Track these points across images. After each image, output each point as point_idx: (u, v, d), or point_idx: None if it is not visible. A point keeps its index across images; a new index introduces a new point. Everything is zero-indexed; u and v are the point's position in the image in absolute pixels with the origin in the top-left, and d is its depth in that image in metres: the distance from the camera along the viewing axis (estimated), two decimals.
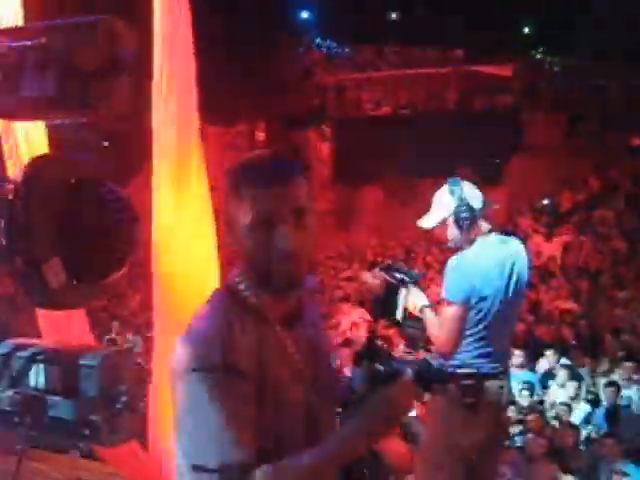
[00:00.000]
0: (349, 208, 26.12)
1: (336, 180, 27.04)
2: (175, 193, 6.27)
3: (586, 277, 17.71)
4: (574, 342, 14.15)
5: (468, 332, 5.45)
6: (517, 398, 11.63)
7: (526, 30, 36.10)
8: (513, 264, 5.58)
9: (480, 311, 5.44)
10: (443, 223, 5.75)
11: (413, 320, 5.80)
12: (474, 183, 5.90)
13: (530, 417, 10.98)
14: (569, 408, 11.45)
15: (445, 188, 5.81)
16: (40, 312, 6.60)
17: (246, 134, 27.14)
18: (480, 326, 5.46)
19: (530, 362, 13.40)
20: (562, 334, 14.69)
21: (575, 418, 11.39)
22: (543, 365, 13.28)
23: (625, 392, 11.78)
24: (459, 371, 5.45)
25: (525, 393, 11.70)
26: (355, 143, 26.12)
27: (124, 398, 3.02)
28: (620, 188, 23.02)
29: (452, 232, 5.71)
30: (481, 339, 5.51)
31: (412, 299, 5.74)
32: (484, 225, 5.66)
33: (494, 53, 29.77)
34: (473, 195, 5.69)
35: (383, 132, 25.92)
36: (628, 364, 12.33)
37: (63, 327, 6.76)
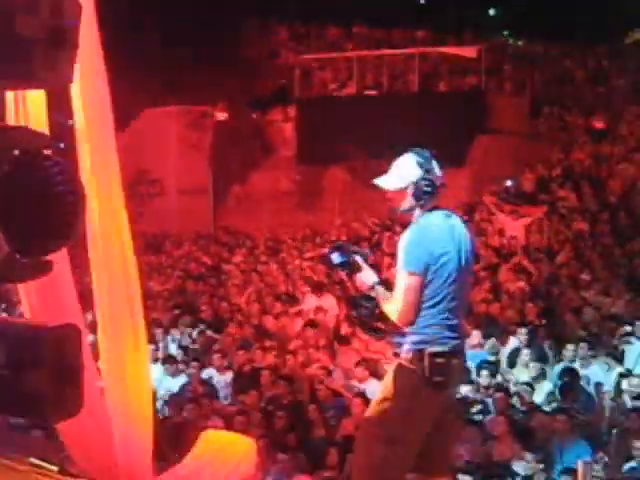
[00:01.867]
0: (313, 189, 26.07)
1: (300, 161, 26.95)
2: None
3: (548, 258, 17.79)
4: (537, 322, 14.22)
5: (431, 303, 5.49)
6: (475, 377, 11.69)
7: (491, 12, 36.22)
8: (460, 235, 5.74)
9: (441, 278, 5.49)
10: (402, 190, 5.78)
11: (365, 299, 5.80)
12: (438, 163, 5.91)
13: (496, 396, 11.03)
14: (531, 388, 11.50)
15: (412, 157, 5.81)
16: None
17: (210, 114, 26.96)
18: (442, 295, 5.51)
19: (490, 342, 13.46)
20: (524, 314, 14.76)
21: (537, 397, 11.45)
22: (512, 344, 13.33)
23: (584, 371, 11.88)
24: (430, 349, 5.45)
25: (484, 373, 11.73)
26: (320, 123, 26.04)
27: (70, 372, 2.97)
28: (582, 170, 23.14)
29: (409, 202, 5.81)
30: (445, 311, 5.55)
31: (362, 278, 5.77)
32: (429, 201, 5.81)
33: (459, 34, 29.84)
34: (437, 171, 5.83)
35: (348, 112, 25.85)
36: (584, 344, 12.45)
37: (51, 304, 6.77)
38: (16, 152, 2.85)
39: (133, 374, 6.94)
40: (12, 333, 2.98)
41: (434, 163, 5.72)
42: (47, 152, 2.90)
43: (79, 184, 2.92)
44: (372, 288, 5.69)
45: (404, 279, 5.50)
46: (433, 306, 5.49)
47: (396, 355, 6.00)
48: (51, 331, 2.96)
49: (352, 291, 6.15)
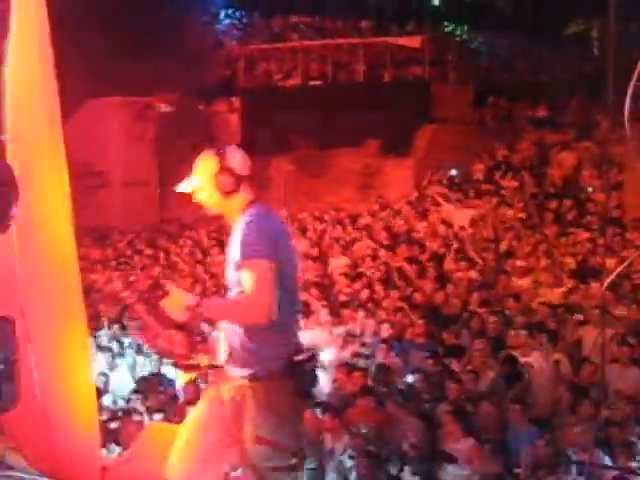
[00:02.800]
0: (258, 180, 26.00)
1: (245, 151, 26.84)
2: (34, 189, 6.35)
3: (492, 246, 17.92)
4: (481, 311, 14.29)
5: (283, 306, 5.04)
6: (421, 366, 11.76)
7: (435, 1, 36.35)
8: (286, 230, 5.52)
9: (286, 275, 5.13)
10: (200, 186, 5.47)
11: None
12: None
13: (449, 385, 11.07)
14: (476, 376, 11.55)
15: (207, 153, 5.51)
16: None
17: (154, 105, 26.79)
18: (289, 294, 5.15)
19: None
20: (469, 303, 14.85)
21: (482, 385, 11.51)
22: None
23: (524, 359, 11.96)
24: (297, 357, 5.18)
25: (430, 362, 11.80)
26: (265, 114, 26.02)
27: (1, 366, 2.93)
28: (525, 159, 23.37)
29: (211, 196, 5.46)
30: (295, 313, 5.35)
31: (176, 302, 5.18)
32: (247, 194, 5.43)
33: (403, 24, 29.95)
34: (238, 162, 5.47)
35: (293, 103, 25.88)
36: (523, 332, 12.53)
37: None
38: None
39: (73, 367, 6.88)
40: None
41: (233, 153, 5.45)
42: None
43: (11, 176, 2.88)
44: (194, 307, 5.12)
45: (256, 265, 4.99)
46: (284, 308, 5.07)
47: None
48: None
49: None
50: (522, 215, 19.68)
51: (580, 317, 13.33)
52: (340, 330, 13.88)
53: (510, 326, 13.19)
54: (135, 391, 11.83)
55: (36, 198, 6.47)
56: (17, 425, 6.74)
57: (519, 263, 16.55)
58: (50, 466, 6.88)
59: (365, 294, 15.64)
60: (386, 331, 13.58)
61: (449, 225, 19.35)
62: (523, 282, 15.66)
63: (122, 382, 12.73)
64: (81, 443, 6.92)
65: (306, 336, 13.61)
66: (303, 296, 16.02)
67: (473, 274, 16.36)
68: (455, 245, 18.01)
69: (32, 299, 6.58)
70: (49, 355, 6.76)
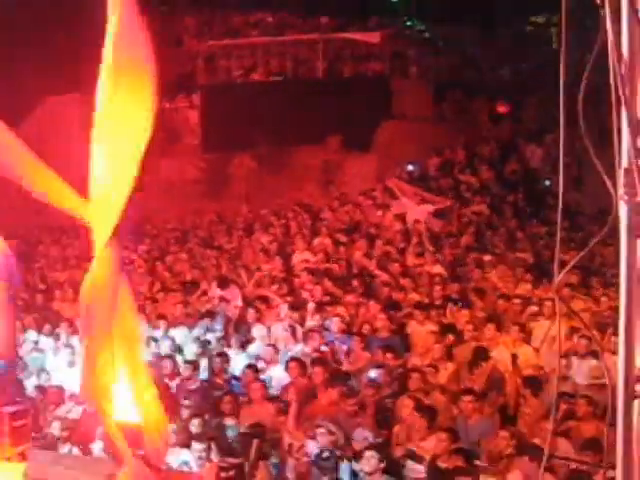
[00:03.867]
0: (220, 177, 25.93)
1: (206, 149, 26.81)
2: None
3: (452, 241, 18.00)
4: (443, 304, 14.37)
5: None
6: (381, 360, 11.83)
7: None
8: None
9: None
10: None
11: None
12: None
13: (412, 376, 11.13)
14: (435, 369, 11.64)
15: None
16: None
17: None
18: None
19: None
20: (431, 297, 14.93)
21: (442, 378, 11.60)
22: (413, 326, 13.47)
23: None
24: None
25: (389, 356, 11.86)
26: (225, 111, 25.93)
27: None
28: (484, 154, 23.49)
29: None
30: None
31: None
32: None
33: (363, 20, 29.92)
34: None
35: (253, 100, 25.82)
36: (489, 326, 12.64)
37: None
38: None
39: None
40: None
41: None
42: None
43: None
44: None
45: None
46: None
47: None
48: None
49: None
50: (481, 208, 19.80)
51: (534, 309, 13.48)
52: (302, 325, 13.93)
53: (473, 320, 13.30)
54: None
55: None
56: None
57: (479, 257, 16.68)
58: None
59: (325, 289, 15.69)
60: (346, 326, 13.65)
61: (406, 220, 19.38)
62: (484, 275, 15.79)
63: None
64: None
65: (266, 331, 13.73)
66: (264, 291, 16.10)
67: (434, 268, 16.44)
68: (414, 240, 18.07)
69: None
70: None
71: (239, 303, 15.56)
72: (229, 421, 10.80)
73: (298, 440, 9.82)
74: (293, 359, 12.07)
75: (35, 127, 22.12)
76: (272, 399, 11.11)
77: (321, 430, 9.59)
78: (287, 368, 11.92)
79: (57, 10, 23.82)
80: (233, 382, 12.22)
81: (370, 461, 8.68)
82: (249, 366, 12.13)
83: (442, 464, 8.99)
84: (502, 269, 15.85)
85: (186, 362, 12.57)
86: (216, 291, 16.21)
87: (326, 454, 9.12)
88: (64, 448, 9.83)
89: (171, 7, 33.22)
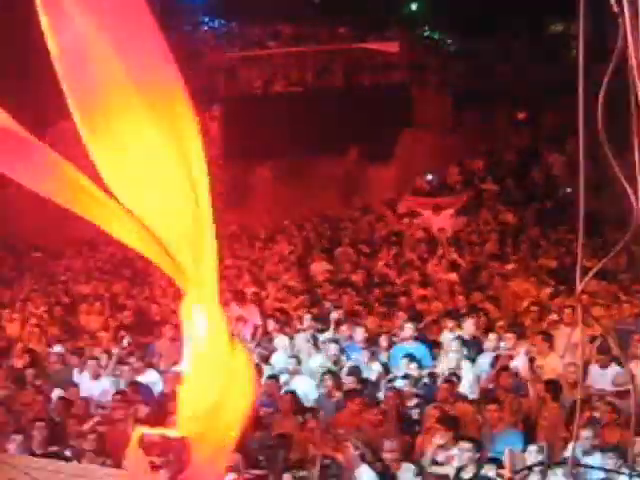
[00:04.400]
0: (240, 187, 25.97)
1: (227, 160, 26.87)
2: None
3: (474, 250, 17.99)
4: (465, 312, 14.33)
5: None
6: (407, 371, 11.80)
7: (413, 7, 36.35)
8: None
9: None
10: None
11: None
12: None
13: (442, 386, 11.10)
14: (458, 378, 11.60)
15: None
16: None
17: None
18: None
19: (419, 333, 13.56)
20: (453, 305, 14.90)
21: (463, 387, 11.55)
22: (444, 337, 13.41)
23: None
24: None
25: (413, 365, 11.82)
26: (245, 122, 25.96)
27: None
28: (505, 162, 23.47)
29: None
30: None
31: None
32: None
33: (381, 30, 29.95)
34: None
35: (273, 111, 25.88)
36: (509, 335, 12.58)
37: None
38: None
39: None
40: None
41: None
42: None
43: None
44: None
45: None
46: None
47: None
48: None
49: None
50: (505, 217, 19.78)
51: (555, 317, 13.41)
52: (325, 336, 13.90)
53: (493, 328, 13.26)
54: (118, 400, 11.83)
55: None
56: None
57: (502, 265, 16.66)
58: None
59: (348, 299, 15.67)
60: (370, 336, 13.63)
61: (429, 231, 19.38)
62: (507, 283, 15.75)
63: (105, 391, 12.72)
64: None
65: (288, 342, 13.71)
66: (284, 305, 16.07)
67: (457, 276, 16.42)
68: (438, 249, 18.07)
69: None
70: None
71: (258, 321, 15.42)
72: (254, 432, 10.81)
73: (325, 452, 9.81)
74: (329, 371, 12.06)
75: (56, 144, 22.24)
76: (298, 411, 11.11)
77: (347, 444, 9.60)
78: (321, 380, 11.92)
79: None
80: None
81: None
82: (271, 377, 12.12)
83: (467, 475, 8.99)
84: (524, 276, 15.82)
85: None
86: (235, 309, 16.14)
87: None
88: (96, 460, 9.82)
89: (190, 19, 33.40)
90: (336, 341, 13.36)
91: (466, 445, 9.28)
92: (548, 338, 12.46)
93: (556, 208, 19.92)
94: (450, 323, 13.63)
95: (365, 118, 24.46)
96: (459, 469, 9.18)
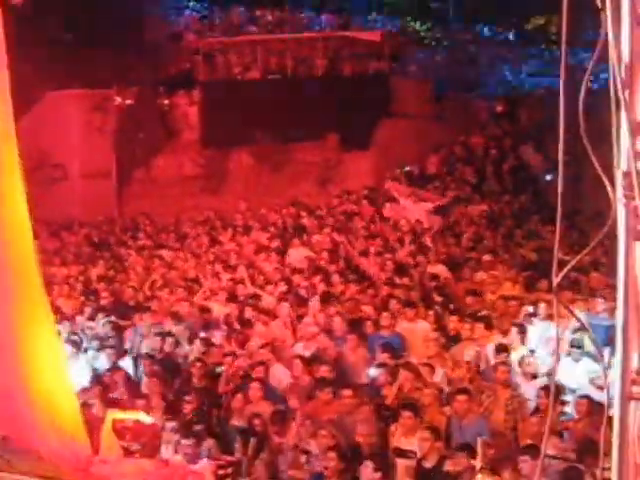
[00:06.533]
0: (218, 173, 25.95)
1: (205, 145, 26.82)
2: None
3: (451, 240, 18.02)
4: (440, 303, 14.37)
5: None
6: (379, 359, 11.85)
7: None
8: None
9: None
10: None
11: None
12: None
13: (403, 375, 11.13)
14: (431, 367, 11.64)
15: None
16: None
17: (113, 97, 26.60)
18: None
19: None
20: (429, 296, 14.93)
21: (437, 377, 11.59)
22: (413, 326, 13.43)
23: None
24: None
25: (387, 354, 11.87)
26: (224, 107, 25.94)
27: None
28: (483, 153, 23.51)
29: None
30: None
31: None
32: None
33: (364, 18, 29.99)
34: None
35: (253, 97, 25.84)
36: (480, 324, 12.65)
37: None
38: None
39: (49, 360, 6.88)
40: None
41: None
42: None
43: None
44: None
45: None
46: None
47: None
48: None
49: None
50: (481, 207, 19.82)
51: (529, 310, 13.47)
52: (301, 323, 13.93)
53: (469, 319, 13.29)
54: (93, 384, 11.82)
55: None
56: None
57: (478, 256, 16.69)
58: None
59: (323, 287, 15.69)
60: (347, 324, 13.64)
61: (408, 219, 19.40)
62: (483, 275, 15.79)
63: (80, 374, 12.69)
64: (64, 432, 6.88)
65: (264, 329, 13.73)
66: (260, 291, 16.08)
67: (434, 267, 16.44)
68: (414, 238, 18.09)
69: None
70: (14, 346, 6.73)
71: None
72: (228, 419, 10.84)
73: (299, 439, 9.85)
74: (298, 356, 12.09)
75: (34, 122, 22.15)
76: (271, 398, 11.14)
77: (323, 432, 9.63)
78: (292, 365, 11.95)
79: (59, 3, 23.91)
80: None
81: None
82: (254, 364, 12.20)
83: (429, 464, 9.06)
84: (501, 269, 15.86)
85: (196, 359, 12.57)
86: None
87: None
88: None
89: (173, 3, 33.31)
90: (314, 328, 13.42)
91: (425, 434, 9.35)
92: (521, 330, 12.52)
93: (533, 199, 19.99)
94: (424, 313, 13.70)
95: (344, 106, 24.48)
96: (420, 459, 9.24)
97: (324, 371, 11.63)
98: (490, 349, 12.06)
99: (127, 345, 13.86)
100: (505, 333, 12.65)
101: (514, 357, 11.87)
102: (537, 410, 10.17)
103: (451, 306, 14.28)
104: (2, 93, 6.61)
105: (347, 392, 10.68)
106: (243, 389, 11.51)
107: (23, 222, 6.81)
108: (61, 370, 7.21)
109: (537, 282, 14.54)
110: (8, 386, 6.65)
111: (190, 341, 13.71)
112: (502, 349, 11.85)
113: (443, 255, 17.19)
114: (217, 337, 13.81)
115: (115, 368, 12.73)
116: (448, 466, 8.91)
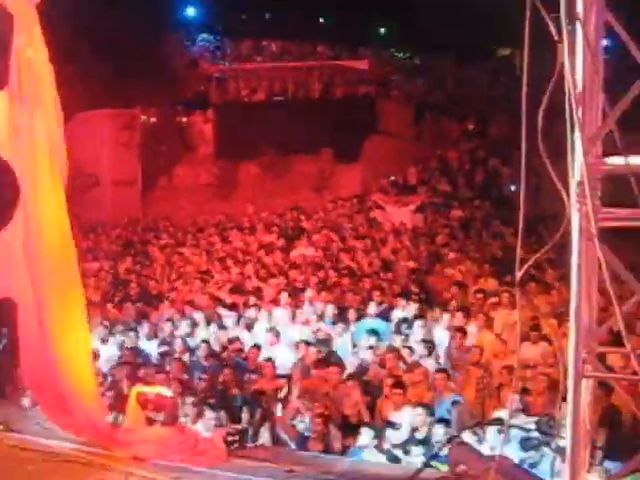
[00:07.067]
0: (229, 182, 25.95)
1: (218, 157, 26.84)
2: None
3: (428, 241, 17.99)
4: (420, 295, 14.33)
5: None
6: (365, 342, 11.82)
7: (382, 30, 36.35)
8: None
9: None
10: None
11: None
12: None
13: (387, 356, 11.09)
14: (411, 350, 11.59)
15: None
16: None
17: (138, 116, 26.61)
18: None
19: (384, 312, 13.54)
20: (409, 289, 14.89)
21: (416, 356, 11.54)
22: (397, 314, 13.38)
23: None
24: None
25: (374, 339, 11.83)
26: (234, 125, 25.95)
27: (4, 340, 2.94)
28: (457, 165, 23.52)
29: None
30: None
31: None
32: None
33: (354, 49, 29.99)
34: None
35: (259, 116, 25.84)
36: (459, 314, 12.62)
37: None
38: None
39: (78, 342, 6.83)
40: None
41: None
42: None
43: (14, 183, 2.86)
44: None
45: None
46: None
47: None
48: None
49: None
50: (455, 213, 19.82)
51: (495, 300, 13.44)
52: (299, 312, 13.89)
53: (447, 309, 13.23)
54: (119, 363, 11.80)
55: (37, 197, 6.39)
56: (37, 389, 6.62)
57: (450, 254, 16.68)
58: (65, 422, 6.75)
59: (318, 280, 15.67)
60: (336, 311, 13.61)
61: (393, 222, 19.44)
62: (454, 270, 15.77)
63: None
64: (89, 403, 6.79)
65: (267, 316, 13.68)
66: (262, 283, 16.04)
67: (412, 264, 16.43)
68: (398, 238, 18.09)
69: (38, 283, 6.50)
70: (54, 328, 6.67)
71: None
72: (236, 393, 10.80)
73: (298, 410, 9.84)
74: (302, 341, 12.06)
75: (69, 138, 22.12)
76: (277, 375, 11.13)
77: (316, 404, 9.63)
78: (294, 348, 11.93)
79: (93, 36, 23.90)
80: (240, 360, 12.15)
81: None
82: (254, 346, 12.16)
83: (420, 435, 9.03)
84: (470, 264, 15.85)
85: (202, 341, 12.53)
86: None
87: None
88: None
89: (189, 35, 33.31)
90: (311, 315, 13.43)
91: (419, 410, 9.33)
92: (487, 318, 12.51)
93: (499, 205, 19.98)
94: (404, 303, 13.67)
95: (337, 124, 24.48)
96: (413, 429, 9.21)
97: (318, 352, 11.62)
98: (464, 333, 12.02)
99: (151, 329, 13.78)
100: (476, 320, 12.62)
101: (484, 341, 11.86)
102: (501, 386, 10.14)
103: (426, 296, 14.24)
104: (53, 105, 6.53)
105: (336, 369, 10.70)
106: (249, 368, 11.52)
107: (63, 222, 6.76)
108: (87, 353, 7.17)
109: (502, 276, 14.51)
110: (46, 365, 6.62)
111: (206, 325, 13.71)
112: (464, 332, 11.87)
113: (422, 252, 17.18)
114: (228, 322, 13.81)
115: (139, 349, 12.71)
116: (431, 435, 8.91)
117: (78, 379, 6.89)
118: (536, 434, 8.39)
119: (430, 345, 11.57)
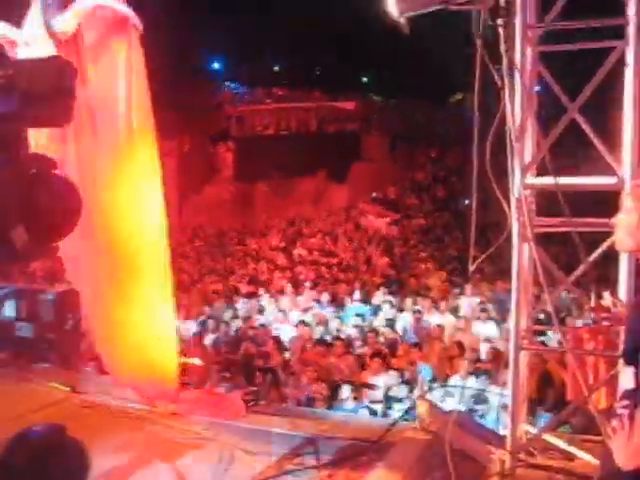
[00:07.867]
0: (245, 198, 25.95)
1: (237, 179, 26.87)
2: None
3: (401, 243, 18.02)
4: (393, 284, 14.33)
5: None
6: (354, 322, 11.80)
7: (364, 79, 36.48)
8: None
9: None
10: None
11: None
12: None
13: (369, 335, 11.08)
14: (392, 328, 11.57)
15: None
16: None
17: (177, 146, 26.63)
18: None
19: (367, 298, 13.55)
20: (386, 278, 14.91)
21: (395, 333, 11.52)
22: (376, 300, 13.39)
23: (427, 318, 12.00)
24: None
25: (357, 320, 11.81)
26: (250, 154, 25.98)
27: (71, 322, 2.90)
28: (423, 184, 23.55)
29: None
30: None
31: None
32: None
33: (344, 93, 30.00)
34: None
35: (269, 146, 25.87)
36: (426, 300, 12.61)
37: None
38: (33, 171, 2.77)
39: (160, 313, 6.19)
40: (30, 296, 2.92)
41: None
42: (55, 171, 2.81)
43: (77, 193, 2.84)
44: None
45: None
46: None
47: None
48: (58, 294, 2.90)
49: None
50: (420, 221, 19.86)
51: (457, 290, 13.45)
52: (300, 299, 13.89)
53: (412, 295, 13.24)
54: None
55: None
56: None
57: (419, 253, 16.70)
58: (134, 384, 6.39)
59: (316, 273, 15.69)
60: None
61: (372, 228, 19.47)
62: (422, 266, 15.79)
63: None
64: (159, 367, 6.35)
65: (275, 303, 13.61)
66: (271, 276, 15.96)
67: (385, 259, 16.44)
68: (376, 241, 18.11)
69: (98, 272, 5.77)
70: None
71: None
72: (251, 362, 10.75)
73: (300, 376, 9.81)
74: (301, 321, 12.02)
75: None
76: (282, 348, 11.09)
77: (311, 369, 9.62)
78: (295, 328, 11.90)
79: None
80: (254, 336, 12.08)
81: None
82: (264, 325, 12.14)
83: (394, 393, 9.02)
84: (433, 262, 15.88)
85: (224, 322, 12.48)
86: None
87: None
88: None
89: (214, 82, 33.31)
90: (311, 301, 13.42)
91: (392, 372, 9.33)
92: (448, 304, 12.50)
93: (456, 216, 20.02)
94: (383, 291, 13.69)
95: (330, 152, 24.54)
96: (388, 388, 9.20)
97: (317, 331, 11.61)
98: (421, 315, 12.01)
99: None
100: (439, 305, 12.63)
101: (445, 321, 11.85)
102: (460, 355, 10.13)
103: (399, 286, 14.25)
104: (147, 112, 5.86)
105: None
106: (260, 342, 11.50)
107: (161, 222, 6.15)
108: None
109: (458, 271, 14.56)
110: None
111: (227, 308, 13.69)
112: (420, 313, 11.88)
113: (397, 253, 17.21)
114: (245, 307, 13.79)
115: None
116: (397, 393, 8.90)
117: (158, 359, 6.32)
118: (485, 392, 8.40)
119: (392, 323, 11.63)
